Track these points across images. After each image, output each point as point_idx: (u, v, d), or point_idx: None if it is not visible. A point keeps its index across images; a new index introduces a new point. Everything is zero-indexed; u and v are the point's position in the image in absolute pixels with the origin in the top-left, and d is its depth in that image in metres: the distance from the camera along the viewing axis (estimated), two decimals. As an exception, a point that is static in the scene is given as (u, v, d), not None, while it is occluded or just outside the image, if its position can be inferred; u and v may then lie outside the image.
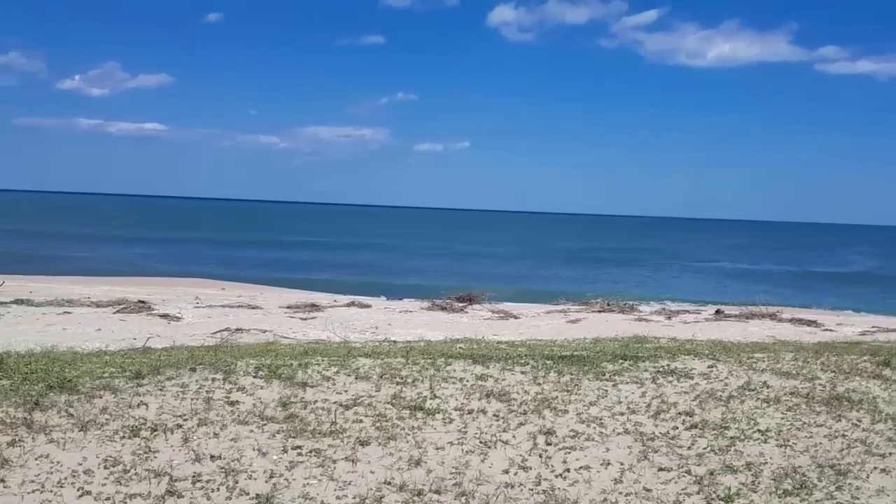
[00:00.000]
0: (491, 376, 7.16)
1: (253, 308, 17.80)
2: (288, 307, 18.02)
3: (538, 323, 16.96)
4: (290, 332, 13.53)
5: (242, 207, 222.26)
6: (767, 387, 7.31)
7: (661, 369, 7.85)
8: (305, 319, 15.96)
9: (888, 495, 4.85)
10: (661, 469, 5.07)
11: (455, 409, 6.07)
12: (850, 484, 4.99)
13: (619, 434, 5.74)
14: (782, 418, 6.32)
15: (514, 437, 5.56)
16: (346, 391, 6.32)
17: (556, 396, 6.61)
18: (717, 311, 18.87)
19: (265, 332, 13.19)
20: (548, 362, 7.96)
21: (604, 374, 7.47)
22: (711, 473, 5.03)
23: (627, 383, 7.21)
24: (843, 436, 5.97)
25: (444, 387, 6.69)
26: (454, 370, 7.31)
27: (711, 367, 8.14)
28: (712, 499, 4.64)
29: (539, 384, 6.98)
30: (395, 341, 11.04)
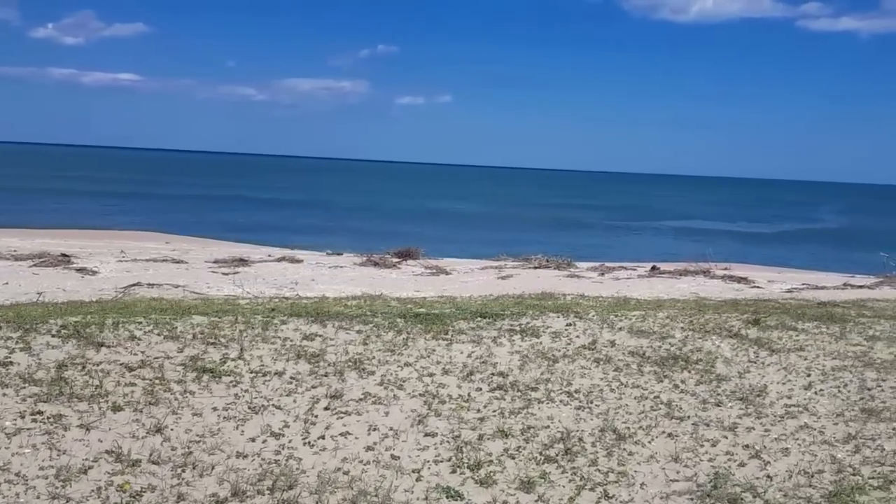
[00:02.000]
0: (320, 335, 6.85)
1: (178, 262, 17.40)
2: (215, 262, 17.64)
3: (467, 279, 16.64)
4: (206, 287, 13.14)
5: (219, 160, 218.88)
6: (612, 346, 7.05)
7: (513, 328, 7.57)
8: (227, 274, 15.57)
9: (657, 461, 4.61)
10: (427, 434, 4.80)
11: (251, 372, 5.76)
12: (624, 449, 4.75)
13: (412, 397, 5.46)
14: (602, 379, 6.07)
15: (294, 401, 5.27)
16: (143, 352, 6.00)
17: (375, 357, 6.32)
18: (653, 268, 18.66)
19: (177, 287, 12.82)
20: (398, 320, 7.66)
21: (446, 333, 7.18)
22: (480, 438, 4.77)
23: (464, 342, 6.92)
24: (656, 398, 5.73)
25: (260, 347, 6.38)
26: (285, 329, 6.99)
27: (569, 324, 7.86)
28: (460, 465, 4.38)
29: (366, 344, 6.68)
30: (287, 297, 10.74)
